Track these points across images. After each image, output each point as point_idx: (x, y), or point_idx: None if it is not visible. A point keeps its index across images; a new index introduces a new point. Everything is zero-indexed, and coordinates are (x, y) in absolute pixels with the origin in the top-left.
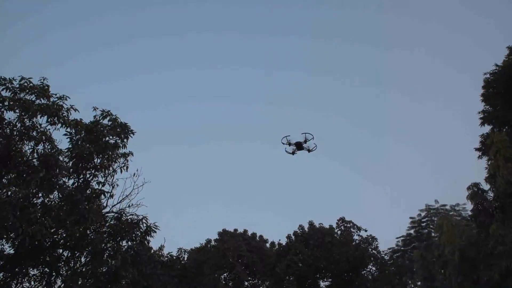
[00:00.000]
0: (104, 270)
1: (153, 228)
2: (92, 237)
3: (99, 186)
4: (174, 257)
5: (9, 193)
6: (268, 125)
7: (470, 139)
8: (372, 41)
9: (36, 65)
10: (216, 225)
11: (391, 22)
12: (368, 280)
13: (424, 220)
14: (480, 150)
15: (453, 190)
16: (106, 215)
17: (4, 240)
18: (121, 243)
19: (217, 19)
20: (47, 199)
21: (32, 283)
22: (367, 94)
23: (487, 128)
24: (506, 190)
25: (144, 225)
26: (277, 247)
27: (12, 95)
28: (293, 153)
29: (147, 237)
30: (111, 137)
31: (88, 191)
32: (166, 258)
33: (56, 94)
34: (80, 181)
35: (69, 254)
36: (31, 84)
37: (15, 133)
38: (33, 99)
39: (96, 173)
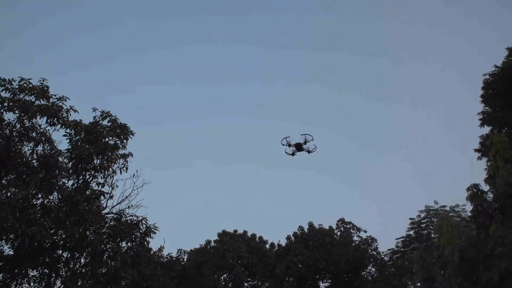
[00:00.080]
0: (103, 271)
1: (152, 229)
2: (91, 238)
3: (98, 187)
4: (174, 258)
5: (9, 194)
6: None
7: (470, 140)
8: (362, 48)
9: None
10: (216, 225)
11: (383, 26)
12: (368, 281)
13: (423, 221)
14: (480, 151)
15: (453, 191)
16: (105, 216)
17: (3, 241)
18: (120, 244)
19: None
20: (47, 200)
21: (32, 284)
22: (366, 92)
23: (486, 129)
24: (505, 191)
25: (144, 226)
26: (276, 248)
27: (11, 96)
28: (292, 154)
29: (147, 238)
30: (110, 138)
31: (87, 192)
32: (166, 259)
33: (55, 95)
34: (80, 182)
35: (69, 255)
36: (30, 85)
37: (14, 134)
38: (33, 100)
39: (96, 174)
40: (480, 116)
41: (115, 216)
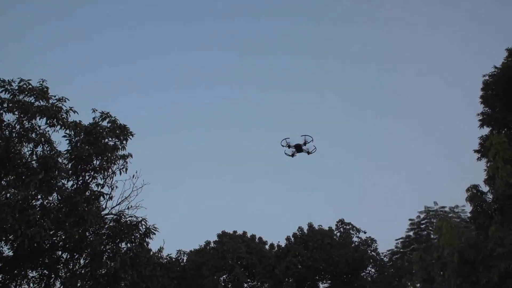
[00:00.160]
0: (103, 272)
1: (152, 230)
2: (91, 239)
3: (98, 188)
4: (174, 259)
5: (8, 195)
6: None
7: (470, 141)
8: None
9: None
10: (215, 226)
11: (383, 27)
12: (367, 282)
13: (423, 222)
14: (479, 152)
15: (452, 192)
16: (105, 217)
17: (3, 242)
18: (120, 245)
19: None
20: (46, 201)
21: (31, 285)
22: (365, 93)
23: (486, 130)
24: (505, 192)
25: (143, 227)
26: (276, 249)
27: (11, 97)
28: (292, 155)
29: (146, 239)
30: (110, 139)
31: (87, 193)
32: (166, 260)
33: (55, 96)
34: (79, 183)
35: (68, 256)
36: (30, 86)
37: (14, 135)
38: (32, 101)
39: (95, 175)
40: (479, 117)
41: (115, 217)
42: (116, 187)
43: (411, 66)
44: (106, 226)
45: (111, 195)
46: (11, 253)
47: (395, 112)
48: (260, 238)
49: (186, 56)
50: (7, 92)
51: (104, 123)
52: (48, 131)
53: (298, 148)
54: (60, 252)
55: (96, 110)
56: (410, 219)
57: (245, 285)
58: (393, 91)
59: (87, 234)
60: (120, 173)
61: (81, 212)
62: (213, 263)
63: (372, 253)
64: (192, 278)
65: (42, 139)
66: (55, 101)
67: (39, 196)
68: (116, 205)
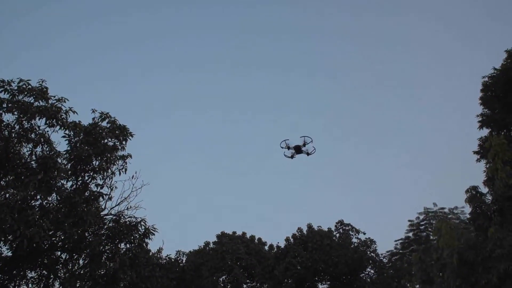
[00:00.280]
0: (102, 272)
1: (151, 231)
2: (90, 239)
3: (97, 188)
4: (173, 260)
5: (7, 195)
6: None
7: (469, 142)
8: (364, 41)
9: None
10: (215, 227)
11: (383, 21)
12: (367, 283)
13: (422, 223)
14: (479, 153)
15: (452, 193)
16: (104, 217)
17: (2, 243)
18: (119, 246)
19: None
20: (45, 201)
21: (30, 285)
22: (365, 96)
23: (485, 131)
24: (504, 193)
25: (143, 227)
26: (275, 249)
27: (10, 97)
28: (292, 157)
29: (146, 240)
30: (109, 139)
31: (86, 194)
32: (165, 261)
33: (54, 96)
34: (79, 183)
35: (67, 257)
36: (29, 86)
37: (13, 135)
38: (32, 101)
39: (95, 175)
40: (479, 118)
41: (114, 217)
42: (116, 187)
43: (410, 65)
44: (105, 227)
45: (110, 196)
46: (10, 254)
47: (395, 112)
48: (259, 239)
49: (191, 41)
50: (6, 92)
51: (104, 123)
52: (47, 131)
53: (298, 150)
54: (59, 253)
55: (96, 111)
56: (409, 220)
57: (244, 285)
58: (393, 92)
59: (86, 234)
60: (120, 174)
61: (80, 212)
62: (212, 264)
63: (372, 254)
64: (191, 279)
65: (42, 139)
66: (55, 101)
67: (38, 197)
68: (116, 206)
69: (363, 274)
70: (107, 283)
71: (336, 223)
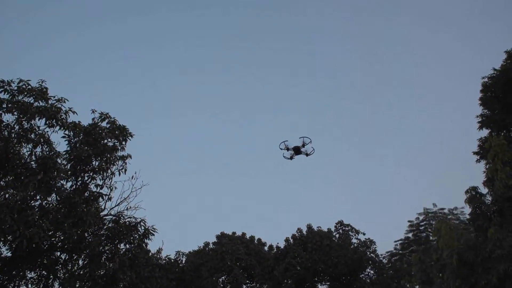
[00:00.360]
0: (102, 273)
1: (151, 231)
2: (90, 240)
3: (97, 188)
4: (172, 260)
5: (7, 195)
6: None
7: (469, 142)
8: (364, 41)
9: None
10: (214, 227)
11: (383, 21)
12: (366, 284)
13: (422, 223)
14: (478, 154)
15: (451, 194)
16: (104, 217)
17: (1, 243)
18: (119, 246)
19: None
20: (45, 201)
21: (30, 286)
22: (366, 96)
23: (485, 132)
24: (504, 194)
25: (142, 228)
26: (275, 250)
27: (10, 97)
28: (291, 158)
29: (145, 240)
30: (109, 139)
31: (86, 194)
32: (164, 261)
33: (54, 97)
34: (78, 183)
35: (67, 257)
36: (29, 87)
37: (13, 135)
38: (32, 101)
39: (94, 175)
40: (478, 119)
41: (114, 218)
42: (115, 188)
43: (410, 66)
44: (105, 227)
45: (110, 196)
46: (9, 254)
47: (394, 113)
48: (259, 240)
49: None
50: (6, 93)
51: (104, 123)
52: (47, 131)
53: (297, 150)
54: (58, 253)
55: (96, 111)
56: (409, 221)
57: (244, 286)
58: (392, 92)
59: (86, 235)
60: (119, 174)
61: (80, 213)
62: (212, 264)
63: (371, 254)
64: (191, 279)
65: (41, 139)
66: (54, 101)
67: (38, 197)
68: (115, 206)
69: (362, 275)
70: (106, 284)
71: (335, 223)
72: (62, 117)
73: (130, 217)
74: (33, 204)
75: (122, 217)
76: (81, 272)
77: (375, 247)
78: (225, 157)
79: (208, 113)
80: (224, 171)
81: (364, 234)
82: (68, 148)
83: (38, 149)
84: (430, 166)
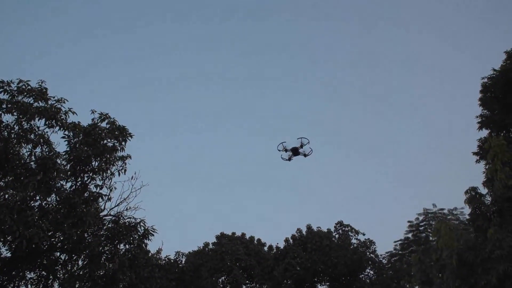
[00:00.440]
0: (101, 273)
1: (150, 232)
2: (89, 240)
3: (96, 189)
4: (172, 260)
5: (7, 196)
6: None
7: (468, 143)
8: (364, 42)
9: None
10: (214, 228)
11: (380, 27)
12: (366, 284)
13: (422, 224)
14: (478, 154)
15: (451, 194)
16: (103, 218)
17: (1, 243)
18: (118, 246)
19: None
20: (45, 202)
21: (29, 286)
22: (365, 96)
23: (485, 133)
24: (503, 194)
25: (142, 228)
26: (275, 250)
27: (10, 97)
28: (289, 159)
29: (145, 240)
30: (109, 140)
31: (85, 194)
32: (164, 261)
33: (54, 97)
34: (78, 184)
35: (67, 257)
36: (29, 87)
37: (12, 135)
38: (31, 101)
39: (94, 176)
40: (478, 119)
41: (113, 218)
42: (115, 188)
43: (410, 67)
44: (104, 228)
45: (109, 196)
46: (9, 254)
47: (394, 113)
48: (258, 240)
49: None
50: (6, 93)
51: (103, 124)
52: (47, 132)
53: (295, 151)
54: (58, 253)
55: (95, 111)
56: (408, 221)
57: (244, 286)
58: (392, 93)
59: (86, 235)
60: (119, 174)
61: (79, 213)
62: (211, 265)
63: (371, 255)
64: (190, 280)
65: (41, 140)
66: (54, 102)
67: (37, 197)
68: (115, 206)
69: (362, 275)
70: (106, 284)
71: (335, 224)
72: (61, 117)
73: (130, 218)
74: (32, 204)
75: (121, 218)
76: (81, 273)
77: (375, 248)
78: (225, 157)
79: (208, 112)
80: (224, 171)
81: (364, 234)
82: (68, 149)
83: (38, 150)
84: (430, 166)
